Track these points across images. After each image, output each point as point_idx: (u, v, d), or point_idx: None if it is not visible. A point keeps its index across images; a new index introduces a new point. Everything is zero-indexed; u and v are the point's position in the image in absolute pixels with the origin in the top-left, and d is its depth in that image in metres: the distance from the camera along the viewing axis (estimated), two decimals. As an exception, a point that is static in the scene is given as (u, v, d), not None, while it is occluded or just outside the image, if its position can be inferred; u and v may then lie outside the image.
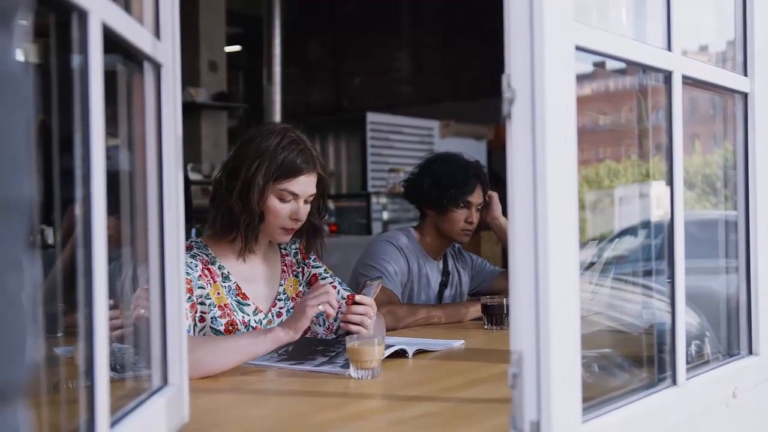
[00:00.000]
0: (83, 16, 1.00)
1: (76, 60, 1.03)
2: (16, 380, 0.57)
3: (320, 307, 1.99)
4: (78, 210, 1.01)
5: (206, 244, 2.26)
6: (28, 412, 0.60)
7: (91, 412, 1.01)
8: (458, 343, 2.36)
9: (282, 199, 2.20)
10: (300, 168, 2.20)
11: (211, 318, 2.15)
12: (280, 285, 2.35)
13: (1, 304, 0.56)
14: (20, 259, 0.58)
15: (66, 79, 1.04)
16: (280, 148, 2.18)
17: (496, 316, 2.66)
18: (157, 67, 1.35)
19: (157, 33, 1.35)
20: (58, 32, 1.05)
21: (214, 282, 2.20)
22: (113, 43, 1.12)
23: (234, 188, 2.18)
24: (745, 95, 1.82)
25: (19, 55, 0.60)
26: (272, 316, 2.29)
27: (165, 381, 1.37)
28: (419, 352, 2.18)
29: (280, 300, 2.34)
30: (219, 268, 2.23)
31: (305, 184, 2.22)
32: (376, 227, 7.43)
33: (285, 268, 2.39)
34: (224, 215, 2.21)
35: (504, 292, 2.95)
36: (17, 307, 0.57)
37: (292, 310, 2.30)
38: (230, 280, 2.23)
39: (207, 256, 2.23)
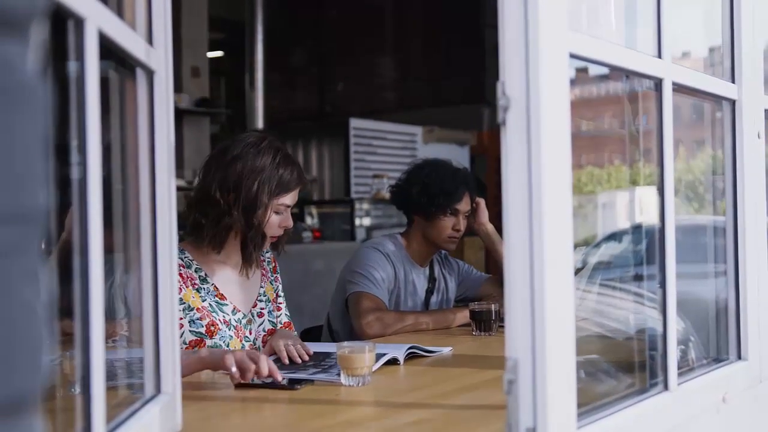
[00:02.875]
0: (79, 23, 0.99)
1: (71, 66, 1.02)
2: (33, 390, 0.57)
3: (233, 369, 1.82)
4: (74, 217, 1.01)
5: (183, 248, 2.29)
6: (43, 421, 0.60)
7: (87, 420, 1.00)
8: (447, 350, 2.36)
9: (277, 212, 2.30)
10: (297, 183, 2.32)
11: (190, 321, 2.20)
12: (261, 287, 2.43)
13: (18, 314, 0.56)
14: (36, 269, 0.58)
15: (61, 86, 1.03)
16: (276, 166, 2.27)
17: (485, 322, 2.66)
18: (150, 73, 1.34)
19: (150, 40, 1.35)
20: (52, 38, 1.04)
21: (187, 287, 2.24)
22: (107, 49, 1.12)
23: (232, 205, 2.23)
24: (732, 102, 1.83)
25: (34, 64, 0.59)
26: (252, 316, 2.37)
27: (158, 390, 1.36)
28: (411, 357, 2.19)
29: (261, 301, 2.41)
30: (196, 271, 2.28)
31: (296, 195, 2.34)
32: (360, 233, 7.42)
33: (264, 271, 2.47)
34: (224, 230, 2.26)
35: (491, 298, 2.95)
36: (33, 316, 0.57)
37: (272, 312, 2.42)
38: (208, 282, 2.29)
39: (182, 260, 2.25)
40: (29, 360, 0.57)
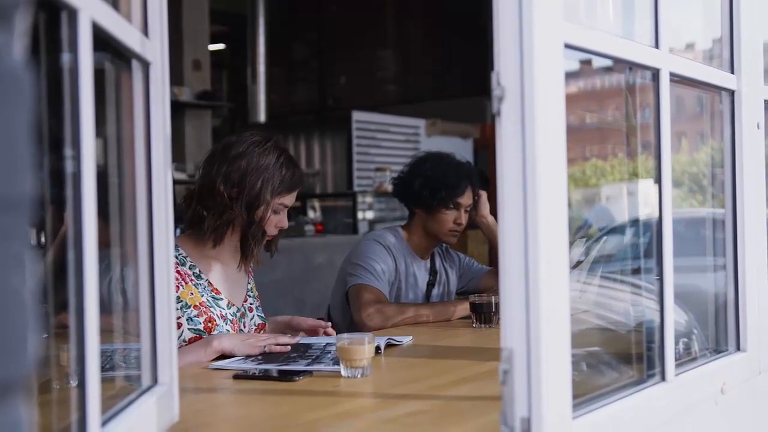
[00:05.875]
0: (73, 14, 0.99)
1: (65, 58, 1.02)
2: (18, 376, 0.58)
3: (266, 348, 2.14)
4: (67, 210, 1.01)
5: (177, 245, 2.29)
6: (29, 408, 0.60)
7: (82, 411, 1.01)
8: (408, 339, 2.40)
9: (275, 212, 2.34)
10: (298, 184, 2.37)
11: (188, 319, 2.23)
12: (249, 283, 2.48)
13: (5, 301, 0.56)
14: (23, 255, 0.58)
15: (54, 77, 1.04)
16: (280, 166, 2.31)
17: (485, 315, 2.66)
18: (145, 65, 1.34)
19: (145, 31, 1.35)
20: (47, 30, 1.04)
21: (186, 283, 2.27)
22: (101, 41, 1.12)
23: (234, 200, 2.27)
24: (731, 92, 1.83)
25: (19, 54, 0.59)
26: (245, 310, 2.42)
27: (155, 380, 1.37)
28: (389, 346, 2.24)
29: (250, 296, 2.47)
30: (190, 268, 2.31)
31: (294, 197, 2.39)
32: (362, 227, 7.42)
33: (250, 270, 2.51)
34: (225, 225, 2.29)
35: (492, 290, 2.95)
36: (20, 303, 0.58)
37: (259, 308, 2.48)
38: (202, 278, 2.32)
39: (176, 257, 2.26)
40: (14, 346, 0.57)
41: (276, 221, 2.35)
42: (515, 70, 1.17)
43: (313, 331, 2.44)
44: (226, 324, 2.30)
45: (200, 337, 2.22)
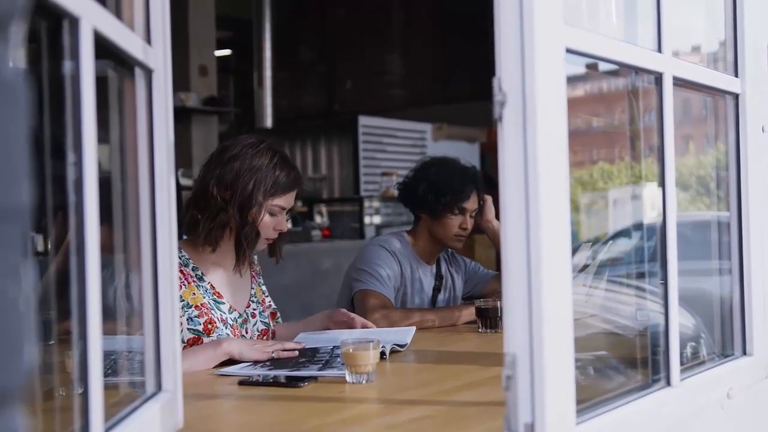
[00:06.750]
0: (74, 22, 1.00)
1: (67, 66, 1.02)
2: (14, 385, 0.58)
3: (273, 354, 2.13)
4: (71, 217, 1.01)
5: (180, 248, 2.30)
6: (25, 416, 0.60)
7: (85, 418, 1.01)
8: (410, 331, 2.43)
9: (271, 214, 2.33)
10: (293, 185, 2.35)
11: (188, 319, 2.24)
12: (251, 288, 2.47)
13: (1, 310, 0.56)
14: (19, 265, 0.58)
15: (56, 85, 1.04)
16: (273, 166, 2.31)
17: (490, 319, 2.65)
18: (148, 72, 1.35)
19: (148, 38, 1.35)
20: (49, 38, 1.05)
21: (189, 284, 2.28)
22: (104, 48, 1.12)
23: (228, 202, 2.27)
24: (736, 96, 1.83)
25: (16, 62, 0.60)
26: (247, 316, 2.42)
27: (159, 387, 1.37)
28: (394, 352, 2.23)
29: (253, 302, 2.46)
30: (193, 270, 2.32)
31: (292, 198, 2.37)
32: (369, 231, 7.41)
33: (254, 274, 2.51)
34: (219, 227, 2.29)
35: (497, 295, 2.95)
36: (16, 312, 0.58)
37: (263, 313, 2.47)
38: (205, 281, 2.32)
39: (180, 259, 2.27)
40: (10, 355, 0.57)
41: (274, 224, 2.33)
42: (517, 75, 1.17)
43: (347, 324, 2.47)
44: (226, 328, 2.29)
45: (199, 338, 2.22)
